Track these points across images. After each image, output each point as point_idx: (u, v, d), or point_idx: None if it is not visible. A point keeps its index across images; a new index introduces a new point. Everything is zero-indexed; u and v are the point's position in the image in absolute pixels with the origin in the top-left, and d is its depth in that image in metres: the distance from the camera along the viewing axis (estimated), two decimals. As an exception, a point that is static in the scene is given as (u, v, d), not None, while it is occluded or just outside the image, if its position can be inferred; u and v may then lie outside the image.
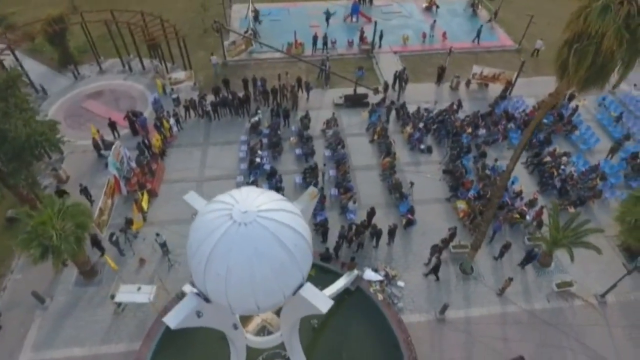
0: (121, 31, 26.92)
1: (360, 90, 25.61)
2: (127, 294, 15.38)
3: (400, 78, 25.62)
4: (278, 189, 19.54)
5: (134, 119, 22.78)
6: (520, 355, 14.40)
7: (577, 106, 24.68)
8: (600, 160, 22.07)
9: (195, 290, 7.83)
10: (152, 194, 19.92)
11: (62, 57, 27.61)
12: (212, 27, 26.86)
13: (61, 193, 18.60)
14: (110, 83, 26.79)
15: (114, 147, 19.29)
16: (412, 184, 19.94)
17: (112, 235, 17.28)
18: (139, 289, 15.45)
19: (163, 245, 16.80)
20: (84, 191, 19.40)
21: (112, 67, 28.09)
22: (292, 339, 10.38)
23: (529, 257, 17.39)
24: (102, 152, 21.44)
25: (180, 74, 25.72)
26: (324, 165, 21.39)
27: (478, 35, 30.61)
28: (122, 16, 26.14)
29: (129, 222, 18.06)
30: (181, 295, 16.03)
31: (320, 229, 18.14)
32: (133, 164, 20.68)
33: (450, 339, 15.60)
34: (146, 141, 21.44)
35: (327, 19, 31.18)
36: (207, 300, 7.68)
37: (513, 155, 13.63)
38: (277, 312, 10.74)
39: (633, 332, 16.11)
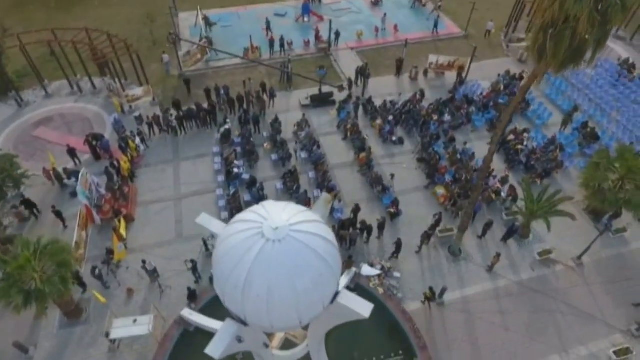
0: (64, 51, 25.20)
1: (325, 89, 25.71)
2: (122, 328, 14.55)
3: (363, 73, 26.01)
4: (261, 198, 19.26)
5: (95, 142, 21.48)
6: None
7: (528, 85, 26.25)
8: (556, 132, 23.72)
9: (231, 315, 7.56)
10: (129, 219, 18.92)
11: (-1, 84, 25.42)
12: (168, 39, 25.85)
13: (28, 204, 17.37)
14: (60, 107, 25.02)
15: (80, 174, 18.08)
16: (392, 175, 20.40)
17: (94, 268, 16.26)
18: (135, 321, 14.68)
19: (154, 271, 16.05)
20: (57, 214, 18.32)
21: (60, 90, 26.25)
22: (320, 350, 10.33)
23: (511, 232, 18.39)
24: (66, 181, 20.05)
25: (137, 90, 24.54)
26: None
27: (436, 26, 31.75)
28: (65, 35, 24.46)
29: (110, 252, 17.05)
30: (180, 321, 15.47)
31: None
32: (102, 191, 19.53)
33: (452, 320, 16.20)
34: (115, 164, 20.27)
35: (268, 27, 30.44)
36: (244, 323, 7.47)
37: (492, 138, 14.33)
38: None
39: (609, 287, 17.54)
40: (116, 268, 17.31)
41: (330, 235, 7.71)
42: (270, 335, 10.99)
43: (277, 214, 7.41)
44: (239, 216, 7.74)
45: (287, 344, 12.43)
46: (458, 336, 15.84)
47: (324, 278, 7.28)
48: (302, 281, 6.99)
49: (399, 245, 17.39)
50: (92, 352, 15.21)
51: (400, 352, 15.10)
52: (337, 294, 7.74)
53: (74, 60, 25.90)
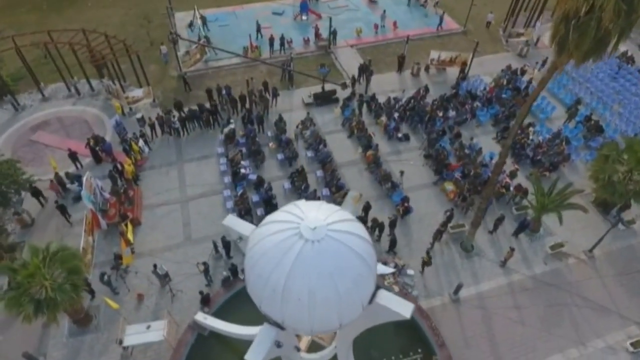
0: (61, 53, 24.62)
1: (328, 87, 25.48)
2: (136, 335, 14.21)
3: (366, 70, 25.81)
4: (270, 198, 18.98)
5: (97, 145, 21.01)
6: None
7: (531, 79, 26.34)
8: (560, 126, 23.77)
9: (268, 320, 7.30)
10: (135, 223, 18.50)
11: (-6, 88, 24.77)
12: (169, 39, 25.39)
13: (35, 192, 17.48)
14: (58, 110, 24.46)
15: (84, 178, 17.64)
16: (402, 172, 20.25)
17: (102, 274, 15.85)
18: (148, 327, 14.33)
19: (165, 275, 15.69)
20: (61, 208, 18.02)
21: (56, 93, 25.65)
22: (349, 353, 10.13)
23: (522, 226, 18.34)
24: (68, 186, 19.56)
25: (137, 92, 24.06)
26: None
27: (441, 22, 31.70)
28: (61, 36, 23.89)
29: (118, 257, 16.66)
30: (194, 325, 15.19)
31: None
32: (106, 195, 19.08)
33: (469, 316, 16.09)
34: (118, 167, 19.83)
35: (258, 30, 29.78)
36: (281, 328, 7.22)
37: (509, 134, 14.18)
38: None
39: (622, 279, 17.57)
40: (125, 273, 16.91)
41: (365, 233, 7.50)
42: (297, 338, 10.76)
43: (312, 214, 7.18)
44: (273, 216, 7.49)
45: (313, 346, 12.20)
46: (475, 332, 15.73)
47: (364, 278, 7.07)
48: (343, 282, 6.76)
49: (393, 241, 17.47)
50: (105, 360, 14.83)
51: (419, 350, 14.93)
52: (374, 294, 7.54)
53: (70, 62, 25.34)
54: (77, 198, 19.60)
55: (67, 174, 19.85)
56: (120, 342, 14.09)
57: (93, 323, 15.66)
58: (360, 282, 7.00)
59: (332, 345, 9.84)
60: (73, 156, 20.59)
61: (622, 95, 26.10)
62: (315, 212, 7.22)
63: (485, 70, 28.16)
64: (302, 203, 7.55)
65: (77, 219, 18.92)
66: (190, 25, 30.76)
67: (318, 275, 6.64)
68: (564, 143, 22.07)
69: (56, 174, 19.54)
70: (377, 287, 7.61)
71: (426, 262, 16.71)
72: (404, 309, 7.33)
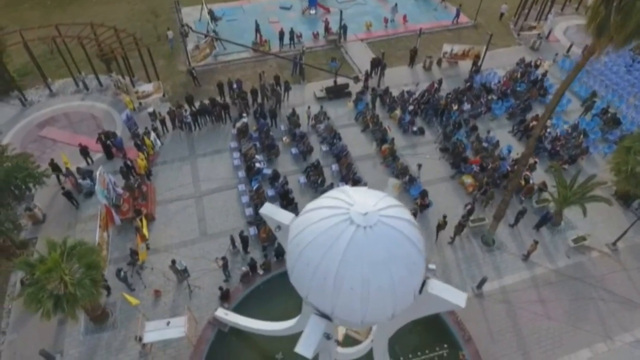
0: (68, 47, 24.23)
1: (340, 80, 25.12)
2: (156, 332, 13.85)
3: (379, 64, 25.46)
4: (287, 192, 18.63)
5: (108, 141, 20.62)
6: None
7: (546, 72, 26.02)
8: (577, 119, 23.46)
9: (315, 311, 6.94)
10: (149, 219, 18.13)
11: (0, 83, 24.34)
12: (180, 32, 24.99)
13: (55, 168, 18.11)
14: (67, 106, 24.04)
15: (98, 173, 17.27)
16: (419, 166, 19.91)
17: (119, 270, 15.48)
18: (168, 323, 13.98)
19: (184, 271, 15.31)
20: (67, 195, 17.92)
21: (64, 88, 25.24)
22: (385, 349, 9.79)
23: (544, 219, 18.02)
24: (80, 181, 19.16)
25: (147, 87, 23.67)
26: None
27: (457, 16, 31.44)
28: (68, 31, 23.46)
29: (134, 253, 16.30)
30: (215, 322, 14.84)
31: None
32: (119, 190, 18.71)
33: (493, 311, 15.76)
34: (128, 162, 19.45)
35: (257, 29, 28.54)
36: (328, 319, 6.87)
37: (537, 125, 13.84)
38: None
39: (647, 272, 17.27)
40: (140, 270, 16.54)
41: (414, 220, 7.15)
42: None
43: (361, 199, 6.83)
44: (318, 202, 7.13)
45: (346, 341, 11.84)
46: (501, 327, 15.41)
47: (417, 266, 6.74)
48: (397, 269, 6.43)
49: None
50: (122, 357, 14.46)
51: (445, 345, 14.60)
52: (424, 283, 7.20)
53: (78, 57, 25.00)
54: (89, 194, 19.23)
55: (78, 169, 19.46)
56: (140, 338, 13.71)
57: (110, 320, 15.30)
58: (413, 270, 6.66)
59: (368, 340, 9.50)
60: (84, 151, 20.20)
61: (638, 87, 25.77)
62: (364, 198, 6.88)
63: (498, 63, 27.85)
64: (348, 188, 7.21)
65: (89, 215, 18.59)
66: (199, 20, 30.33)
67: (372, 262, 6.29)
68: (581, 136, 21.77)
69: (67, 170, 19.18)
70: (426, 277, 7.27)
71: (441, 226, 16.97)
72: (458, 299, 6.99)
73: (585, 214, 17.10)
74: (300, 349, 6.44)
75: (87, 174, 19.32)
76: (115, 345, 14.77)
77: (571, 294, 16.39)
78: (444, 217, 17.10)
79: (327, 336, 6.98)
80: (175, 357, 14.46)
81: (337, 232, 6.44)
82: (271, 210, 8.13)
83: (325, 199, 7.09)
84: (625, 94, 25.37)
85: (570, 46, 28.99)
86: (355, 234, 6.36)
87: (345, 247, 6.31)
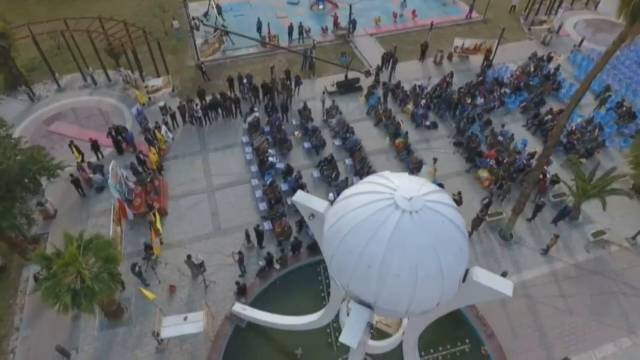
0: (76, 42, 23.98)
1: (351, 75, 24.88)
2: (173, 327, 13.60)
3: (391, 58, 25.21)
4: (301, 187, 18.37)
5: (119, 135, 20.36)
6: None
7: (559, 65, 25.77)
8: (591, 113, 23.21)
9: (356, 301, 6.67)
10: (162, 214, 17.88)
11: (8, 79, 24.12)
12: (192, 26, 24.74)
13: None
14: (75, 101, 23.80)
15: (110, 167, 17.01)
16: (435, 160, 19.65)
17: (134, 265, 15.22)
18: (185, 318, 13.73)
19: (201, 265, 15.05)
20: (75, 183, 17.85)
21: (72, 83, 25.01)
22: (416, 344, 9.54)
23: (563, 213, 17.76)
24: (91, 176, 18.91)
25: (157, 81, 23.41)
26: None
27: (471, 11, 31.39)
28: (78, 25, 23.21)
29: (149, 248, 16.05)
30: (232, 317, 14.59)
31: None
32: (131, 185, 18.46)
33: (515, 306, 15.50)
34: (141, 157, 19.20)
35: (259, 29, 28.07)
36: (370, 308, 6.62)
37: (556, 126, 13.57)
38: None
39: (668, 266, 17.02)
40: (155, 265, 16.30)
41: (456, 206, 6.89)
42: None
43: (405, 184, 6.57)
44: (358, 188, 6.87)
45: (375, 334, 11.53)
46: (522, 322, 15.16)
47: (463, 253, 6.49)
48: (446, 256, 6.17)
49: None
50: (139, 354, 14.21)
51: (467, 340, 14.36)
52: (467, 271, 6.95)
53: (86, 53, 24.77)
54: (100, 189, 19.01)
55: (89, 164, 19.23)
56: (157, 334, 13.46)
57: (125, 316, 15.05)
58: (460, 257, 6.41)
59: (398, 333, 9.25)
60: (95, 146, 19.95)
61: (652, 81, 25.54)
62: (408, 183, 6.62)
63: (509, 58, 27.61)
64: (388, 174, 6.95)
65: (101, 210, 18.36)
66: (206, 15, 30.10)
67: (419, 248, 6.04)
68: (597, 130, 21.52)
69: (79, 164, 18.94)
70: (467, 266, 7.00)
71: (457, 202, 16.67)
72: (505, 287, 6.73)
73: (605, 208, 16.85)
74: (346, 339, 6.18)
75: (99, 168, 19.08)
76: (131, 341, 14.53)
77: (592, 289, 16.14)
78: (459, 193, 17.16)
79: (371, 326, 6.74)
80: (192, 353, 14.21)
81: (382, 218, 6.18)
82: (304, 198, 7.87)
83: (366, 185, 6.83)
84: (639, 88, 25.10)
85: (582, 41, 28.71)
86: (402, 219, 6.11)
87: (391, 233, 6.06)
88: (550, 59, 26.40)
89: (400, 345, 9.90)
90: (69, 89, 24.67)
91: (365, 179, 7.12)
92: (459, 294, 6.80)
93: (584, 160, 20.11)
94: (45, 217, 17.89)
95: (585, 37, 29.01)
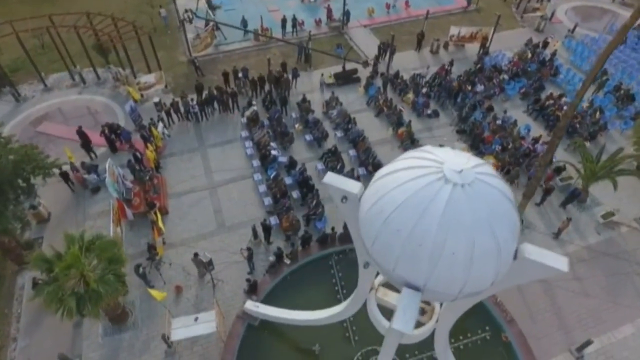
0: (62, 39, 22.99)
1: (349, 66, 24.43)
2: (183, 329, 12.97)
3: (388, 48, 24.82)
4: (306, 180, 17.86)
5: (112, 134, 19.53)
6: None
7: (555, 51, 25.76)
8: (590, 97, 23.22)
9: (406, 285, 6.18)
10: (163, 212, 17.15)
11: (-9, 79, 23.01)
12: (185, 18, 23.94)
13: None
14: (64, 100, 22.80)
15: (107, 166, 16.22)
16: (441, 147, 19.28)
17: (138, 266, 14.48)
18: (196, 319, 13.10)
19: (209, 263, 14.39)
20: (64, 176, 17.21)
21: (59, 82, 23.97)
22: (448, 330, 9.12)
23: (573, 196, 17.62)
24: (85, 176, 18.06)
25: (149, 78, 22.58)
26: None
27: (469, 3, 31.17)
28: (63, 21, 22.22)
29: (152, 248, 15.34)
30: (244, 315, 14.01)
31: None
32: (129, 184, 17.68)
33: (531, 290, 15.25)
34: (138, 154, 18.43)
35: (245, 27, 27.07)
36: (418, 291, 6.15)
37: (570, 108, 13.33)
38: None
39: (678, 245, 17.00)
40: (159, 265, 15.59)
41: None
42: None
43: (450, 157, 6.13)
44: (398, 164, 6.40)
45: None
46: (539, 307, 14.92)
47: (517, 227, 6.08)
48: (502, 230, 5.75)
49: None
50: (147, 358, 13.52)
51: (487, 328, 14.03)
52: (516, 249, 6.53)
53: (73, 51, 23.81)
54: (96, 189, 18.19)
55: (83, 164, 18.37)
56: (167, 337, 12.80)
57: (130, 319, 14.33)
58: (514, 232, 6.00)
59: (432, 320, 8.82)
60: (87, 146, 19.10)
61: (646, 65, 25.72)
62: (452, 156, 6.18)
63: (504, 45, 27.49)
64: (430, 148, 6.50)
65: (98, 211, 17.56)
66: (195, 10, 29.22)
67: (475, 223, 5.60)
68: (598, 113, 21.50)
69: (72, 165, 18.07)
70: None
71: None
72: (560, 263, 6.35)
73: (616, 188, 16.75)
74: (398, 325, 5.69)
75: (93, 168, 18.26)
76: (137, 346, 13.83)
77: (606, 270, 16.00)
78: None
79: (421, 311, 6.27)
80: (204, 354, 13.59)
81: (431, 193, 5.71)
82: (336, 180, 7.36)
83: (407, 160, 6.36)
84: (635, 72, 25.24)
85: (575, 26, 28.81)
86: (453, 192, 5.66)
87: (443, 207, 5.60)
88: (546, 45, 26.38)
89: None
90: (56, 88, 23.64)
91: (404, 155, 6.66)
92: (509, 273, 6.37)
93: (587, 143, 20.01)
94: (38, 221, 17.00)
95: (577, 23, 29.10)
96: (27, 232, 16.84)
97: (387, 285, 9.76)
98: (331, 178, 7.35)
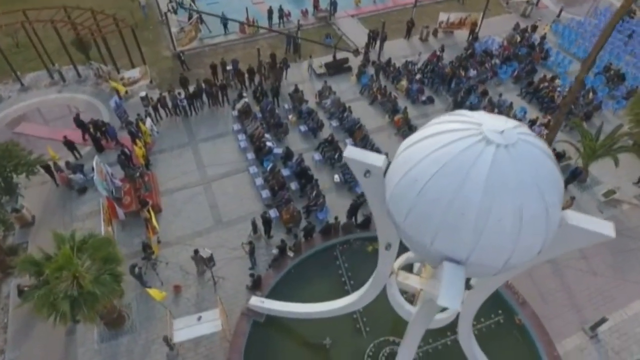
0: (39, 36, 21.86)
1: (339, 55, 23.94)
2: (186, 329, 12.25)
3: (378, 36, 24.42)
4: (303, 170, 17.28)
5: (97, 131, 18.57)
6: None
7: (545, 34, 25.78)
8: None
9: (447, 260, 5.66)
10: (155, 210, 16.33)
11: (-38, 80, 21.73)
12: (169, 9, 23.03)
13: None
14: (43, 100, 21.65)
15: (94, 163, 15.31)
16: (440, 132, 18.95)
17: (133, 267, 13.67)
18: (199, 318, 12.40)
19: (210, 259, 13.65)
20: (46, 168, 16.35)
21: (37, 81, 22.78)
22: (474, 312, 8.70)
23: (574, 175, 17.50)
24: (71, 176, 17.09)
25: (133, 73, 21.60)
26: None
27: None
28: (40, 15, 21.09)
29: (147, 247, 14.53)
30: (249, 312, 13.35)
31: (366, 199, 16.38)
32: (118, 182, 16.80)
33: (540, 272, 14.98)
34: (126, 150, 17.54)
35: (225, 25, 26.17)
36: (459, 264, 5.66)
37: (570, 91, 13.10)
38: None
39: (678, 219, 17.03)
40: (155, 265, 14.78)
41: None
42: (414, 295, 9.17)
43: (487, 118, 5.66)
44: (429, 129, 5.88)
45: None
46: (549, 287, 14.69)
47: (562, 190, 5.64)
48: (550, 194, 5.30)
49: None
50: (148, 363, 12.75)
51: (499, 311, 13.71)
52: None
53: (50, 48, 22.68)
54: (82, 190, 17.24)
55: (67, 163, 17.38)
56: (169, 339, 12.06)
57: (127, 323, 13.51)
58: (561, 196, 5.57)
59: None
60: (70, 145, 18.07)
61: (632, 46, 25.98)
62: (489, 117, 5.71)
63: (492, 31, 27.40)
64: (464, 111, 6.01)
65: (85, 212, 16.65)
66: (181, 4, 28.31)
67: (522, 186, 5.13)
68: (591, 93, 21.52)
69: (55, 164, 17.08)
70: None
71: None
72: (606, 228, 5.94)
73: (617, 164, 16.67)
74: (446, 301, 5.17)
75: (78, 168, 17.30)
76: (137, 350, 13.03)
77: (611, 248, 15.86)
78: None
79: (468, 286, 5.78)
80: (208, 355, 12.87)
81: (472, 156, 5.22)
82: (357, 153, 6.79)
83: (439, 125, 5.85)
84: (622, 53, 25.45)
85: (561, 11, 28.97)
86: (497, 154, 5.18)
87: (487, 171, 5.12)
88: (535, 29, 26.38)
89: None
90: (34, 88, 22.45)
91: (433, 121, 6.15)
92: (554, 241, 5.93)
93: (584, 123, 19.95)
94: (22, 224, 15.98)
95: (562, 7, 29.27)
96: (10, 237, 15.86)
97: (406, 268, 9.28)
98: (352, 152, 6.79)
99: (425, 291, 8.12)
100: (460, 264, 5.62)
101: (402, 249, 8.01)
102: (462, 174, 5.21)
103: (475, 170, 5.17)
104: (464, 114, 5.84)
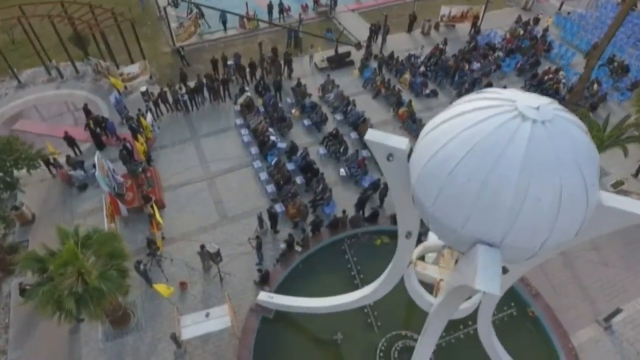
0: (35, 32, 21.45)
1: (342, 49, 23.65)
2: (194, 326, 11.96)
3: (380, 29, 24.17)
4: (310, 164, 17.01)
5: (98, 127, 18.21)
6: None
7: (547, 27, 25.65)
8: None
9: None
10: (159, 206, 16.00)
11: (-43, 77, 21.30)
12: (170, 3, 22.67)
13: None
14: (41, 96, 21.26)
15: (96, 159, 14.95)
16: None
17: (138, 263, 13.35)
18: (207, 314, 12.11)
19: (217, 254, 13.33)
20: (47, 163, 16.22)
21: (34, 78, 22.39)
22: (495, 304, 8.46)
23: (582, 166, 17.31)
24: (71, 172, 16.73)
25: (132, 68, 21.23)
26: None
27: None
28: (36, 10, 20.68)
29: (152, 243, 14.21)
30: (257, 308, 13.06)
31: (373, 193, 16.17)
32: (119, 178, 16.45)
33: (551, 263, 14.79)
34: (128, 145, 17.19)
35: (224, 23, 25.82)
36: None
37: (580, 81, 12.89)
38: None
39: (687, 210, 16.84)
40: (160, 261, 14.46)
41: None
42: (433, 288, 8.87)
43: (521, 95, 5.42)
44: (459, 108, 5.60)
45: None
46: (561, 279, 14.50)
47: (599, 169, 5.40)
48: (588, 170, 5.08)
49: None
50: (155, 361, 12.44)
51: (512, 304, 13.50)
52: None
53: (48, 44, 22.30)
54: (82, 186, 16.90)
55: (68, 159, 17.02)
56: (176, 336, 11.75)
57: (132, 321, 13.20)
58: (598, 174, 5.34)
59: (476, 296, 8.14)
60: (71, 141, 17.71)
61: (634, 38, 25.87)
62: (522, 94, 5.46)
63: (494, 24, 27.23)
64: (495, 89, 5.76)
65: (86, 209, 16.31)
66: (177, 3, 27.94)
67: (560, 162, 4.89)
68: (595, 85, 21.38)
69: (55, 161, 16.73)
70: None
71: None
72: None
73: (627, 154, 16.50)
74: (484, 285, 4.90)
75: (79, 164, 16.96)
76: (143, 349, 12.72)
77: (623, 239, 15.69)
78: None
79: (504, 270, 5.54)
80: (217, 353, 12.59)
81: (508, 132, 4.97)
82: (379, 136, 6.52)
83: (470, 103, 5.60)
84: (624, 45, 25.34)
85: (562, 3, 28.86)
86: (534, 130, 4.93)
87: (525, 147, 4.87)
88: (537, 21, 26.23)
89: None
90: (32, 84, 22.06)
91: (462, 99, 5.90)
92: (590, 222, 5.69)
93: (590, 114, 19.79)
94: (22, 222, 15.63)
95: (563, 0, 29.17)
96: (10, 235, 15.50)
97: (422, 258, 9.03)
98: (373, 134, 6.52)
99: (447, 281, 7.87)
100: (494, 247, 5.36)
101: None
102: (497, 152, 4.96)
103: (512, 148, 4.92)
104: (494, 91, 5.60)
